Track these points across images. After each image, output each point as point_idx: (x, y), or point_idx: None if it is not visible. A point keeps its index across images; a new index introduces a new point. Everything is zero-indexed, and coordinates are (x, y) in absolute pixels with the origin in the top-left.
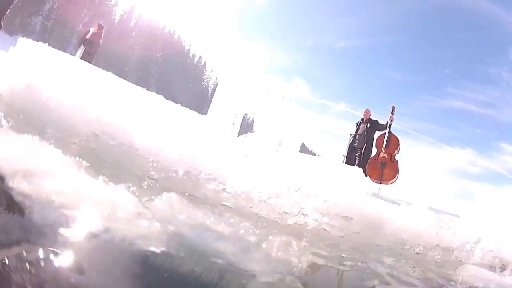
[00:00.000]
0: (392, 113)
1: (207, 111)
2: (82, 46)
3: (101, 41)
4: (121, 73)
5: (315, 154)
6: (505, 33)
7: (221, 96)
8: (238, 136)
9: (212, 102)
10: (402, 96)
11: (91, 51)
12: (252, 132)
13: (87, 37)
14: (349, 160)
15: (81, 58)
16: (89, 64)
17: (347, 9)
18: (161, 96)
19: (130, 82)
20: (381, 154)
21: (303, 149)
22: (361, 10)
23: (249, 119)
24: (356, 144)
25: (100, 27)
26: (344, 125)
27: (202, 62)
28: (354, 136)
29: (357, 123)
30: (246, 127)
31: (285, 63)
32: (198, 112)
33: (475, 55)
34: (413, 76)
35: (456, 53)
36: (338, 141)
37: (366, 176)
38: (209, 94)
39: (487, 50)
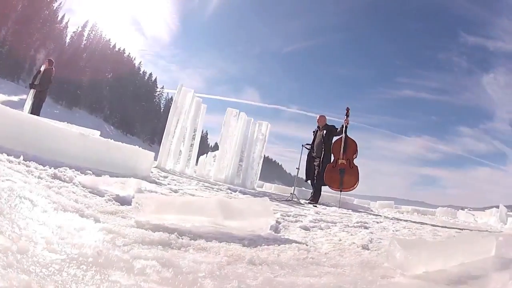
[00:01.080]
0: (347, 115)
1: (162, 130)
2: (32, 90)
3: (52, 77)
4: (74, 98)
5: (278, 164)
6: (453, 16)
7: (175, 117)
8: (198, 157)
9: (167, 127)
10: (354, 91)
11: (42, 92)
12: (213, 151)
13: (39, 75)
14: (309, 172)
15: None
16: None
17: (292, 13)
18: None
19: (84, 105)
20: (339, 161)
21: (265, 160)
22: (306, 13)
23: (207, 137)
24: (314, 154)
25: (50, 62)
26: (297, 128)
27: (153, 78)
28: (311, 145)
29: (313, 132)
30: (206, 146)
31: (234, 73)
32: (153, 130)
33: (424, 43)
34: (363, 70)
35: (405, 43)
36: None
37: (325, 185)
38: (162, 110)
39: (435, 36)
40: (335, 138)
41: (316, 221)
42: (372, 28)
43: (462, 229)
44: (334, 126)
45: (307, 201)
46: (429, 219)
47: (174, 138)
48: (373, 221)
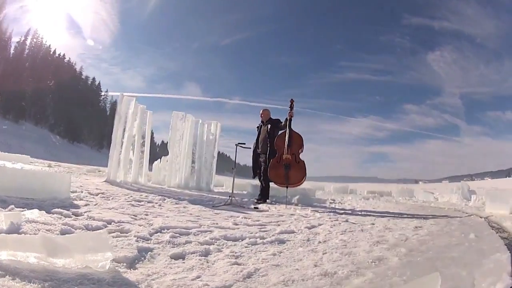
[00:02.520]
0: (291, 107)
1: (110, 133)
2: None
3: None
4: (20, 110)
5: (227, 156)
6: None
7: (120, 127)
8: (151, 164)
9: (113, 138)
10: (296, 78)
11: None
12: (166, 155)
13: None
14: (256, 169)
15: None
16: None
17: (230, 4)
18: None
19: (29, 117)
20: (284, 156)
21: (220, 156)
22: (243, 4)
23: (153, 137)
24: (260, 150)
25: None
26: (242, 119)
27: (96, 82)
28: (256, 141)
29: (257, 127)
30: (159, 149)
31: (174, 69)
32: (101, 135)
33: (365, 27)
34: (304, 57)
35: (346, 27)
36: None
37: (266, 182)
38: (108, 114)
39: (377, 19)
40: (279, 133)
41: (215, 240)
42: (312, 15)
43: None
44: (279, 120)
45: (255, 200)
46: (387, 201)
47: (122, 148)
48: (315, 224)
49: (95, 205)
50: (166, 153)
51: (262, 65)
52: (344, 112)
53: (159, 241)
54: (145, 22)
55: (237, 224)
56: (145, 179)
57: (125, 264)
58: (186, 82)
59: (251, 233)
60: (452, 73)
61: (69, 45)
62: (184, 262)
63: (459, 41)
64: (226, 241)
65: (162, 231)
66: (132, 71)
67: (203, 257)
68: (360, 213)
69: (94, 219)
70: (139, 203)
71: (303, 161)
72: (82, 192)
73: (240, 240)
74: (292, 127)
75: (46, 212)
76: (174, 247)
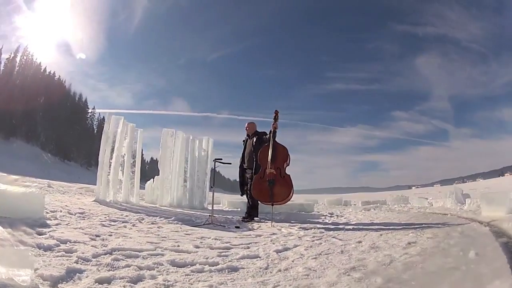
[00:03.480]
0: (275, 118)
1: (97, 152)
2: None
3: None
4: (11, 127)
5: (216, 171)
6: (379, 8)
7: (108, 147)
8: (143, 182)
9: (100, 158)
10: (284, 91)
11: None
12: (157, 173)
13: None
14: (243, 186)
15: None
16: None
17: (214, 20)
18: None
19: (20, 134)
20: (268, 171)
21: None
22: (229, 19)
23: (142, 154)
24: (246, 165)
25: None
26: (229, 133)
27: (83, 99)
28: (242, 155)
29: (243, 141)
30: (148, 167)
31: (162, 85)
32: (89, 153)
33: (351, 36)
34: (291, 70)
35: (331, 39)
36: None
37: (254, 199)
38: (95, 131)
39: (362, 29)
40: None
41: (158, 265)
42: (297, 28)
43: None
44: (265, 133)
45: (242, 218)
46: (389, 211)
47: (111, 168)
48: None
49: (66, 224)
50: (156, 170)
51: (249, 79)
52: (332, 123)
53: (98, 263)
54: (132, 38)
55: (198, 247)
56: (137, 199)
57: (48, 282)
58: (174, 98)
59: (206, 258)
60: (439, 77)
61: (59, 62)
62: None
63: (445, 45)
64: (170, 267)
65: (113, 252)
66: (120, 87)
67: (129, 284)
68: (353, 227)
69: (53, 238)
70: (112, 223)
71: (289, 176)
72: (61, 211)
73: (188, 266)
74: (277, 139)
75: (10, 229)
76: (109, 270)
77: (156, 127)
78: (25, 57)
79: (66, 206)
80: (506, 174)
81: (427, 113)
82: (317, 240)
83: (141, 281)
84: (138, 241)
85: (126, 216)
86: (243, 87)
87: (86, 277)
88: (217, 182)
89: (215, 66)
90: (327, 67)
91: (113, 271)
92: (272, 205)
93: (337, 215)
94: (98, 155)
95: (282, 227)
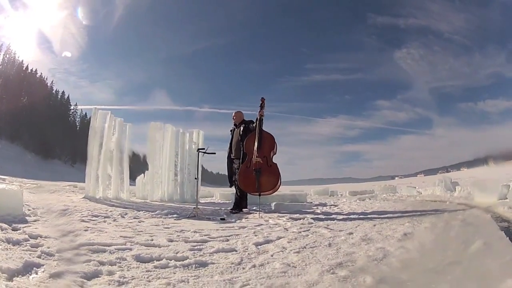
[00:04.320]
0: (262, 106)
1: (81, 149)
2: None
3: None
4: None
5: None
6: (358, 1)
7: (96, 142)
8: (134, 180)
9: (88, 154)
10: (263, 83)
11: None
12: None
13: None
14: (232, 176)
15: None
16: None
17: (195, 14)
18: None
19: (5, 135)
20: (254, 160)
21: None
22: (209, 13)
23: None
24: (233, 155)
25: None
26: (212, 126)
27: (66, 97)
28: (230, 145)
29: (230, 130)
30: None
31: (143, 80)
32: (73, 151)
33: (331, 29)
34: (271, 63)
35: (310, 31)
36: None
37: (238, 188)
38: (78, 128)
39: (342, 21)
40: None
41: (121, 260)
42: (276, 21)
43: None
44: (252, 121)
45: (230, 210)
46: (384, 200)
47: (99, 163)
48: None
49: (44, 221)
50: (140, 164)
51: (229, 73)
52: (313, 114)
53: (60, 258)
54: (113, 34)
55: (172, 241)
56: (127, 195)
57: (6, 275)
58: (155, 93)
59: (176, 252)
60: (420, 69)
61: (40, 60)
62: (58, 282)
63: (426, 37)
64: (133, 262)
65: (79, 247)
66: (101, 83)
67: (82, 279)
68: (345, 217)
69: (25, 233)
70: (93, 218)
71: (276, 164)
72: (43, 208)
73: (153, 262)
74: (263, 127)
75: None
76: (67, 265)
77: (137, 123)
78: (7, 56)
79: (50, 203)
80: (490, 162)
81: (409, 101)
82: (304, 231)
83: (97, 277)
84: (111, 236)
85: (110, 211)
86: (223, 80)
87: (43, 271)
88: (203, 175)
89: (195, 60)
90: (307, 59)
91: (71, 266)
92: (260, 195)
93: (330, 205)
94: (82, 152)
95: (270, 218)
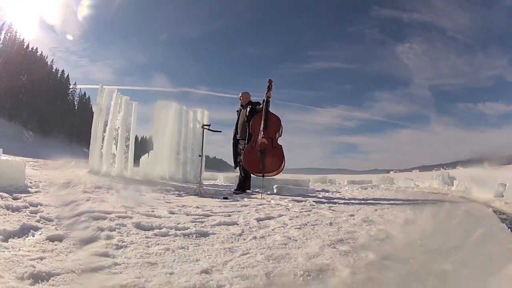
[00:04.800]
0: (269, 87)
1: (78, 128)
2: None
3: None
4: None
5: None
6: None
7: (101, 120)
8: (138, 159)
9: (93, 131)
10: (264, 69)
11: None
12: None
13: None
14: (237, 158)
15: None
16: None
17: None
18: None
19: (3, 113)
20: (259, 140)
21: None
22: None
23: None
24: (239, 135)
25: None
26: (207, 108)
27: (65, 75)
28: (236, 126)
29: (237, 111)
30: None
31: (143, 61)
32: (70, 130)
33: (333, 17)
34: (272, 48)
35: (314, 18)
36: None
37: (246, 171)
38: (76, 108)
39: (345, 11)
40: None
41: (121, 226)
42: (280, 5)
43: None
44: (259, 103)
45: (233, 191)
46: (386, 190)
47: (104, 141)
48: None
49: (46, 192)
50: (137, 148)
51: (229, 56)
52: (312, 102)
53: (59, 223)
54: (114, 14)
55: (173, 213)
56: (130, 173)
57: (1, 236)
58: (155, 74)
59: (177, 223)
60: (421, 64)
61: (41, 39)
62: (56, 245)
63: (430, 33)
64: (133, 229)
65: (80, 215)
66: (101, 63)
67: (81, 243)
68: (347, 202)
69: (25, 202)
70: (96, 189)
71: (281, 146)
72: (46, 181)
73: (153, 230)
74: (270, 109)
75: None
76: (66, 230)
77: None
78: (9, 34)
79: (53, 178)
80: (485, 164)
81: (408, 97)
82: (305, 211)
83: (95, 242)
84: (114, 205)
85: (114, 184)
86: (223, 64)
87: (40, 234)
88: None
89: (196, 43)
90: (309, 46)
91: (70, 230)
92: (263, 176)
93: (332, 192)
94: (79, 131)
95: (272, 199)
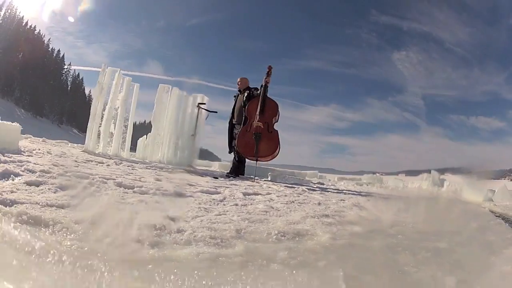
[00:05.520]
0: (268, 73)
1: (69, 109)
2: None
3: None
4: None
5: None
6: None
7: (101, 99)
8: (134, 144)
9: (92, 110)
10: (258, 63)
11: None
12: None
13: None
14: (232, 143)
15: None
16: None
17: None
18: None
19: None
20: (255, 124)
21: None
22: None
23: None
24: (235, 120)
25: None
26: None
27: (60, 55)
28: (232, 110)
29: (234, 96)
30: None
31: (138, 46)
32: (61, 110)
33: (332, 19)
34: (268, 43)
35: (312, 17)
36: None
37: (237, 152)
38: (69, 88)
39: (344, 13)
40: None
41: (103, 181)
42: (279, 2)
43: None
44: (257, 88)
45: (226, 174)
46: (382, 187)
47: (103, 120)
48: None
49: (38, 157)
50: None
51: (226, 48)
52: (305, 100)
53: (42, 175)
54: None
55: (159, 180)
56: (127, 153)
57: None
58: (149, 60)
59: (160, 187)
60: (416, 73)
61: (39, 18)
62: (31, 187)
63: (427, 43)
64: (114, 186)
65: (65, 173)
66: (97, 45)
67: (56, 188)
68: (340, 191)
69: (15, 159)
70: (86, 162)
71: (277, 132)
72: (40, 150)
73: (133, 188)
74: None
75: None
76: (50, 179)
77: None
78: (9, 11)
79: (49, 149)
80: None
81: (400, 105)
82: (296, 194)
83: (70, 189)
84: (102, 171)
85: (106, 160)
86: (218, 55)
87: (19, 179)
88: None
89: (193, 32)
90: (305, 45)
91: (50, 179)
92: (257, 160)
93: (328, 184)
94: (70, 112)
95: (265, 183)
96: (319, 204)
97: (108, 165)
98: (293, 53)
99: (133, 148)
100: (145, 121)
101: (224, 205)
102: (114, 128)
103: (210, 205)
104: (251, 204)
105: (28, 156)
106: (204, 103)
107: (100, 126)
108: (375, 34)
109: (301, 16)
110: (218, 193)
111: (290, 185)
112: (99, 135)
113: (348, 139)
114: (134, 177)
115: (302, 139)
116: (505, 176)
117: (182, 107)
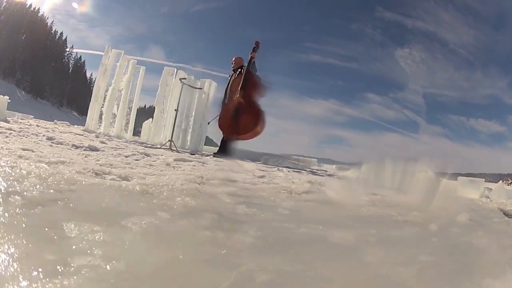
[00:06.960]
0: (254, 49)
1: (70, 91)
2: None
3: None
4: None
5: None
6: None
7: (104, 81)
8: (140, 125)
9: (94, 92)
10: (260, 52)
11: None
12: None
13: None
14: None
15: None
16: None
17: None
18: None
19: None
20: (236, 99)
21: None
22: None
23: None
24: (227, 100)
25: None
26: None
27: (63, 38)
28: (225, 91)
29: (228, 77)
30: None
31: (141, 31)
32: (62, 93)
33: (337, 13)
34: (270, 33)
35: (316, 10)
36: None
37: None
38: (70, 71)
39: (349, 7)
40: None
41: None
42: None
43: None
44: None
45: (212, 154)
46: None
47: (105, 100)
48: None
49: (26, 128)
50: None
51: (227, 36)
52: (304, 92)
53: (21, 135)
54: None
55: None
56: (130, 135)
57: None
58: (151, 45)
59: (136, 151)
60: (418, 71)
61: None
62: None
63: (431, 43)
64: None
65: (45, 140)
66: (99, 29)
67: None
68: (331, 174)
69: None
70: (77, 137)
71: (259, 106)
72: (31, 124)
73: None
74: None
75: None
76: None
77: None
78: None
79: (46, 128)
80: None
81: (400, 102)
82: (275, 172)
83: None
84: (82, 141)
85: (99, 138)
86: (221, 43)
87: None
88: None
89: (197, 19)
90: (308, 37)
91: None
92: (237, 139)
93: (326, 172)
94: (70, 95)
95: (256, 165)
96: (311, 182)
97: (103, 142)
98: (295, 45)
99: (135, 132)
100: (145, 105)
101: (194, 166)
102: (117, 110)
103: (184, 170)
104: (222, 169)
105: (14, 123)
106: (185, 78)
107: (102, 107)
108: (379, 30)
109: (304, 9)
110: (193, 161)
111: (281, 169)
112: (101, 115)
113: (346, 132)
114: (113, 146)
115: (302, 129)
116: (502, 180)
117: (188, 91)
